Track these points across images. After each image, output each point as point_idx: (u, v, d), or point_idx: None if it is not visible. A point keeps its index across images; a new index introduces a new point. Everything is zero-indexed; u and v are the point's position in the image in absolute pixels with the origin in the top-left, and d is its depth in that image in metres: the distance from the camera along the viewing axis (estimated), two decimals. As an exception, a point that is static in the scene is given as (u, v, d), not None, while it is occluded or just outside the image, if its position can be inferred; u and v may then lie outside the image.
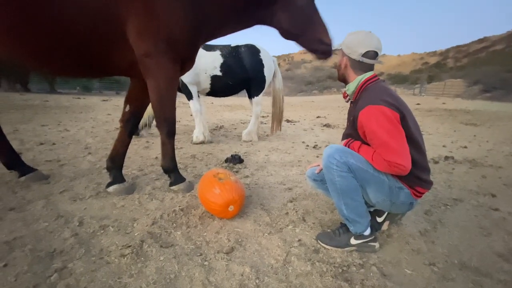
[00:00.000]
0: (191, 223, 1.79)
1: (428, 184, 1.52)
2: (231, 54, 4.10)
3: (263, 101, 4.54)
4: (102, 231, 1.65)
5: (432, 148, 4.17)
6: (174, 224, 1.76)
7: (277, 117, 4.60)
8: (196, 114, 4.10)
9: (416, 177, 1.45)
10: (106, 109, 8.44)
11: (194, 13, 1.88)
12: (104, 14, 1.71)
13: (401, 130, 1.36)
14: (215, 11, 1.96)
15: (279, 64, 4.78)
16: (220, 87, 4.15)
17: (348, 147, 1.56)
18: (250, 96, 4.40)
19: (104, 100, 11.31)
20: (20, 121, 5.39)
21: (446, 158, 3.56)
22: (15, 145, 2.62)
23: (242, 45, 4.22)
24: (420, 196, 1.53)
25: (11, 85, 14.45)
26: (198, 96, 4.22)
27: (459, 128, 6.60)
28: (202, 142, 4.10)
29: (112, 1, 1.70)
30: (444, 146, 4.41)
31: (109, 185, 2.20)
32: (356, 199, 1.48)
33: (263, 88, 4.36)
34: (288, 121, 7.15)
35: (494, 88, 24.80)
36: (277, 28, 2.08)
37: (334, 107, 12.09)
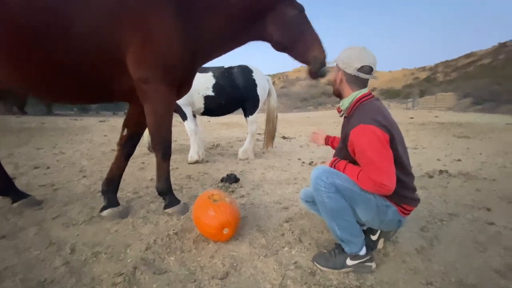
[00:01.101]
0: (185, 247, 1.76)
1: (414, 201, 1.54)
2: (223, 75, 4.22)
3: (259, 118, 4.61)
4: (94, 259, 1.62)
5: (426, 162, 4.21)
6: (168, 249, 1.73)
7: (270, 134, 4.66)
8: (191, 133, 4.15)
9: (402, 195, 1.48)
10: (103, 130, 8.47)
11: (192, 39, 1.95)
12: (106, 46, 1.78)
13: (389, 151, 1.38)
14: (212, 36, 2.03)
15: (274, 82, 4.90)
16: (214, 107, 4.23)
17: (334, 167, 1.58)
18: (246, 115, 4.48)
19: (101, 121, 11.37)
20: (15, 144, 5.38)
21: (441, 172, 3.59)
22: (9, 169, 2.61)
23: (235, 66, 4.35)
24: (408, 214, 1.54)
25: (8, 107, 14.53)
26: (194, 116, 4.28)
27: (452, 141, 6.69)
28: (197, 162, 4.12)
29: (113, 33, 1.78)
30: (438, 159, 4.46)
31: (103, 209, 2.18)
32: (347, 219, 1.49)
33: (257, 107, 4.45)
34: (284, 137, 7.21)
35: (484, 101, 25.43)
36: (269, 41, 2.13)
37: (329, 122, 12.25)
